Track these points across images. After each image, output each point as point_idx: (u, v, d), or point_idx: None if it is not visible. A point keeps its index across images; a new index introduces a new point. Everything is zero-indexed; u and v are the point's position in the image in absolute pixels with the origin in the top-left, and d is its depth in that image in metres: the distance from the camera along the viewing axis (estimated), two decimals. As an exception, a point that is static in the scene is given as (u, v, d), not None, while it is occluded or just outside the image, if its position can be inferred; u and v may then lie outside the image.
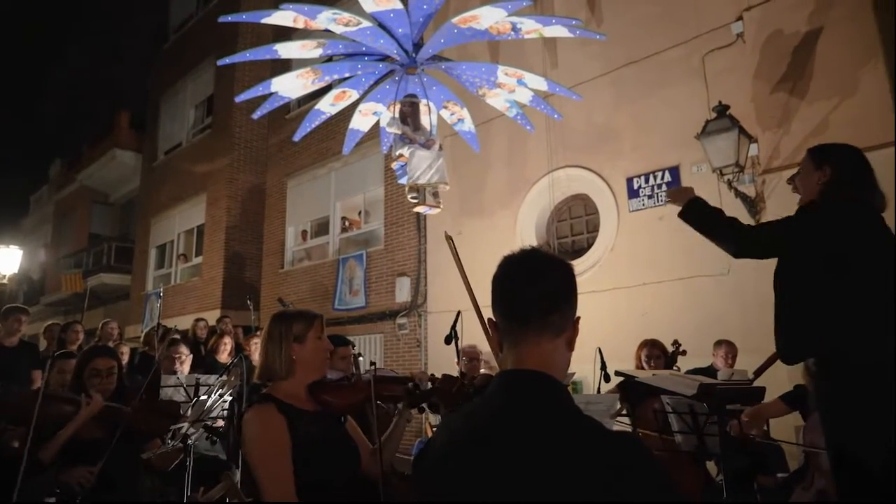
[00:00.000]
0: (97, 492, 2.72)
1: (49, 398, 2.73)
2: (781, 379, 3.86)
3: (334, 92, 6.35)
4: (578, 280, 1.25)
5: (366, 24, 5.24)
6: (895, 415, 2.03)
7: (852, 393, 2.12)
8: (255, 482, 1.88)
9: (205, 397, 3.17)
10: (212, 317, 9.69)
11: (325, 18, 5.15)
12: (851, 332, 2.17)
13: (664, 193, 6.39)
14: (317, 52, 5.72)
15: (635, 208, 6.65)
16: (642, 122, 6.72)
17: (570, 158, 7.33)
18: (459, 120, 6.88)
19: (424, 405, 2.37)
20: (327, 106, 6.54)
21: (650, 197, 6.53)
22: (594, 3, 7.34)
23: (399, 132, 5.87)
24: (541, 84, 6.13)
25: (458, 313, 4.48)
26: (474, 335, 5.35)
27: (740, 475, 3.47)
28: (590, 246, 7.23)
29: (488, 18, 5.25)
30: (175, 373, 4.74)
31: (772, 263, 2.48)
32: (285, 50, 5.73)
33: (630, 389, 3.86)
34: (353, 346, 3.90)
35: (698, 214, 2.62)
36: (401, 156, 5.97)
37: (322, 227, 11.43)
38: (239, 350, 6.08)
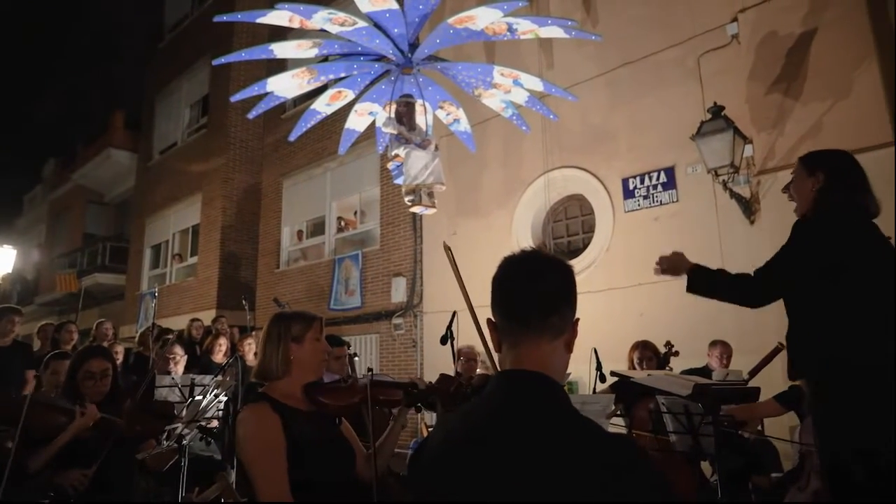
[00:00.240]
0: (92, 492, 2.71)
1: (44, 406, 2.71)
2: (776, 379, 3.86)
3: (330, 92, 6.35)
4: (574, 280, 1.25)
5: (361, 24, 5.23)
6: (894, 418, 2.03)
7: (849, 397, 2.13)
8: (250, 481, 1.88)
9: (200, 398, 3.16)
10: (207, 317, 9.68)
11: (321, 18, 5.14)
12: (850, 338, 2.17)
13: (660, 195, 6.41)
14: (312, 52, 5.71)
15: (631, 209, 6.67)
16: (638, 123, 6.74)
17: (565, 159, 7.34)
18: (455, 120, 6.88)
19: (421, 404, 2.37)
20: (323, 106, 6.53)
21: (645, 197, 6.54)
22: (590, 4, 7.36)
23: (395, 132, 5.87)
24: (536, 84, 6.14)
25: (454, 313, 4.48)
26: (471, 336, 5.35)
27: (735, 475, 3.49)
28: (585, 246, 7.24)
29: (484, 19, 5.25)
30: (170, 373, 4.73)
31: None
32: (281, 50, 5.72)
33: (624, 390, 3.86)
34: (349, 347, 3.90)
35: (705, 285, 2.60)
36: (397, 156, 5.97)
37: (318, 227, 11.41)
38: (235, 350, 6.07)
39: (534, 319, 1.16)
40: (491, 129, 7.90)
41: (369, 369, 2.44)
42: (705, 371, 4.54)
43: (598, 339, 4.14)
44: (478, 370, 5.22)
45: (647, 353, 4.16)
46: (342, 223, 11.00)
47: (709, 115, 5.52)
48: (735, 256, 5.69)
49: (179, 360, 4.94)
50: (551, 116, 6.74)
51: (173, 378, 4.34)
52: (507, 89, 6.22)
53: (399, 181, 6.18)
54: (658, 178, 6.47)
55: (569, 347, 1.20)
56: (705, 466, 3.74)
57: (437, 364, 7.11)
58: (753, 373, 3.73)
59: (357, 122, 6.80)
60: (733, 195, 5.66)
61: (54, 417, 2.69)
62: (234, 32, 12.45)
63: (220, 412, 3.72)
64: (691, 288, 2.60)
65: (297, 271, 11.13)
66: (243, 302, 7.98)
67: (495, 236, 7.67)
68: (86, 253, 17.89)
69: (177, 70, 14.60)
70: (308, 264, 11.08)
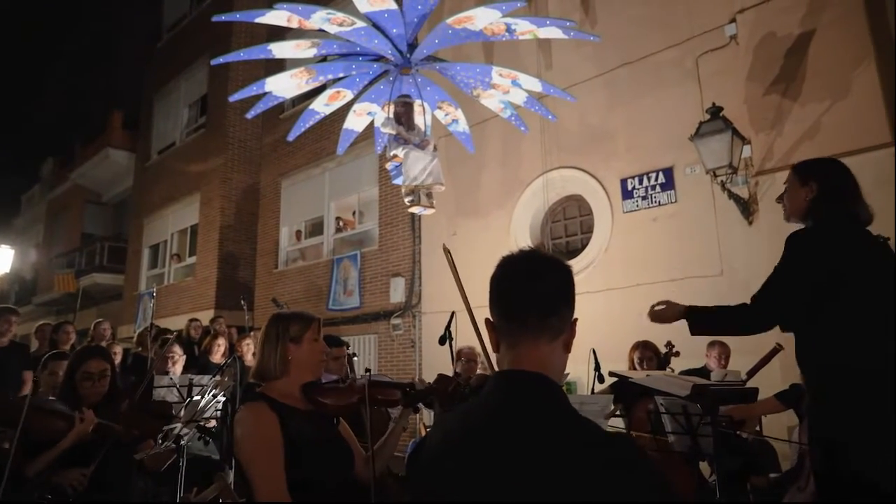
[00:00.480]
0: (90, 493, 2.71)
1: (43, 411, 2.70)
2: (774, 380, 3.87)
3: (328, 92, 6.34)
4: (572, 281, 1.25)
5: (360, 24, 5.23)
6: (894, 421, 2.03)
7: (847, 400, 2.13)
8: (247, 480, 1.88)
9: (198, 398, 3.15)
10: (205, 317, 9.67)
11: (320, 18, 5.14)
12: (850, 344, 2.18)
13: (658, 196, 6.42)
14: (311, 52, 5.70)
15: (629, 209, 6.67)
16: (636, 124, 6.74)
17: (564, 159, 7.35)
18: (454, 121, 6.88)
19: (420, 404, 2.37)
20: (321, 106, 6.53)
21: (644, 198, 6.55)
22: (588, 5, 7.36)
23: (394, 133, 5.87)
24: (535, 85, 6.14)
25: (453, 314, 4.48)
26: (469, 336, 5.35)
27: (733, 476, 3.49)
28: (584, 247, 7.24)
29: (483, 19, 5.25)
30: (168, 373, 4.73)
31: (766, 266, 2.49)
32: (279, 49, 5.71)
33: (623, 390, 3.87)
34: (348, 347, 3.90)
35: (706, 325, 2.60)
36: (395, 156, 5.96)
37: (316, 228, 11.41)
38: (234, 350, 6.06)
39: (532, 320, 1.16)
40: (489, 130, 7.90)
41: (367, 370, 2.44)
42: (703, 371, 4.54)
43: (597, 340, 4.15)
44: (478, 371, 5.22)
45: (648, 353, 4.16)
46: (341, 223, 11.00)
47: (707, 116, 5.53)
48: (733, 257, 5.71)
49: (178, 360, 4.94)
50: (550, 117, 6.74)
51: (171, 378, 4.34)
52: (506, 90, 6.21)
53: (398, 181, 6.18)
54: (656, 179, 6.48)
55: (567, 347, 1.20)
56: (704, 467, 3.74)
57: (435, 364, 7.11)
58: (752, 373, 3.73)
59: (356, 122, 6.79)
60: (732, 196, 5.67)
61: (53, 423, 2.69)
62: (233, 32, 12.45)
63: (219, 412, 3.72)
64: (695, 331, 2.58)
65: (296, 271, 11.12)
66: (242, 302, 7.98)
67: (494, 237, 7.67)
68: (84, 253, 17.86)
69: (175, 70, 14.59)
70: (306, 264, 11.07)
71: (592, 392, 4.17)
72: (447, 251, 2.91)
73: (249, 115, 6.74)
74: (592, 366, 4.13)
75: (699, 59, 6.28)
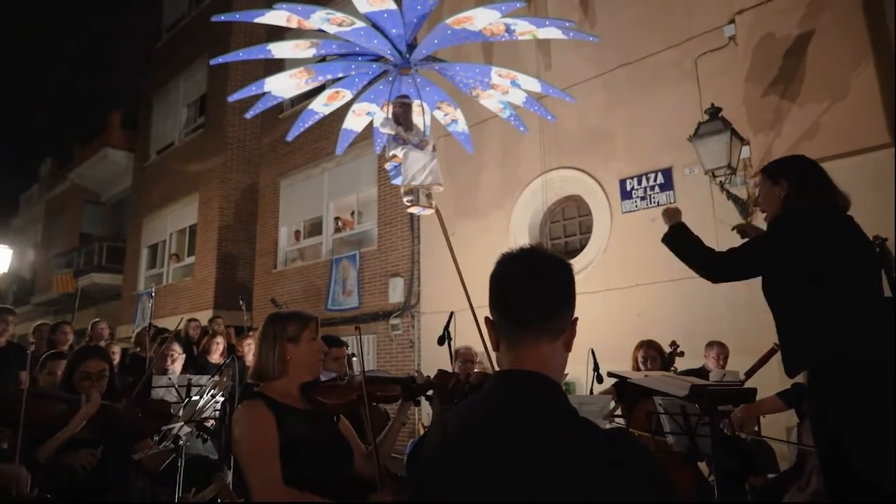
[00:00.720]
0: (90, 493, 2.71)
1: (44, 398, 2.71)
2: (773, 380, 3.87)
3: (328, 92, 6.34)
4: (571, 281, 1.24)
5: (359, 24, 5.22)
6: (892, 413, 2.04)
7: (850, 392, 2.14)
8: (244, 478, 1.88)
9: (196, 398, 3.15)
10: (204, 317, 9.66)
11: (319, 18, 5.13)
12: (846, 332, 2.20)
13: (657, 196, 6.43)
14: (310, 52, 5.70)
15: (628, 210, 6.68)
16: (635, 124, 6.75)
17: (563, 160, 7.35)
18: (453, 121, 6.87)
19: (421, 398, 2.38)
20: (320, 106, 6.52)
21: (643, 198, 6.55)
22: (588, 5, 7.36)
23: (393, 133, 5.86)
24: (534, 85, 6.14)
25: (452, 314, 4.49)
26: (467, 337, 5.35)
27: (732, 476, 3.49)
28: (583, 247, 7.25)
29: (482, 20, 5.25)
30: (167, 371, 4.73)
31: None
32: (278, 50, 5.70)
33: (625, 391, 3.87)
34: (347, 347, 3.89)
35: (677, 238, 2.73)
36: (394, 156, 5.96)
37: (315, 228, 11.41)
38: (231, 350, 6.06)
39: (533, 320, 1.15)
40: (489, 130, 7.90)
41: (352, 354, 2.44)
42: (702, 372, 4.54)
43: (596, 340, 4.14)
44: (475, 370, 5.22)
45: (652, 353, 4.16)
46: (340, 223, 11.00)
47: (706, 117, 5.53)
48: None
49: (177, 358, 4.94)
50: (549, 117, 6.74)
51: (170, 378, 4.33)
52: (505, 90, 6.21)
53: (397, 181, 6.17)
54: (655, 180, 6.48)
55: (568, 347, 1.20)
56: (703, 467, 3.75)
57: (434, 364, 7.07)
58: (750, 373, 3.74)
59: (355, 122, 6.78)
60: (730, 196, 5.67)
61: (55, 407, 2.70)
62: (232, 32, 12.45)
63: (217, 412, 3.72)
64: (665, 239, 2.73)
65: (295, 271, 11.12)
66: (240, 302, 7.98)
67: (493, 237, 7.67)
68: (82, 253, 17.84)
69: (174, 70, 14.58)
70: (305, 264, 11.06)
71: (591, 392, 4.17)
72: (437, 210, 2.94)
73: (248, 115, 6.73)
74: (591, 366, 4.13)
75: (698, 59, 6.28)
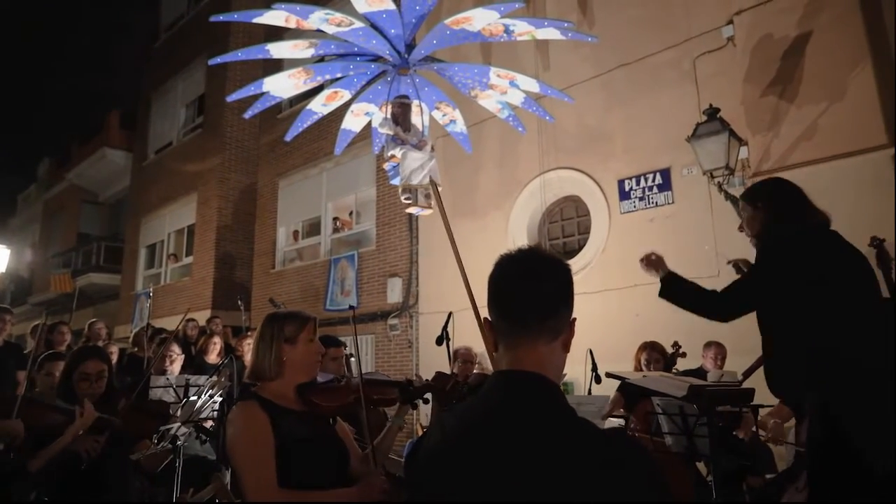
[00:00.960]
0: (88, 493, 2.70)
1: (40, 405, 2.70)
2: (771, 380, 3.87)
3: (326, 92, 6.33)
4: (570, 281, 1.24)
5: (358, 24, 5.22)
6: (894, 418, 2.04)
7: (851, 395, 2.14)
8: (238, 479, 1.87)
9: (194, 398, 3.15)
10: (202, 317, 9.65)
11: (318, 18, 5.13)
12: (847, 341, 2.21)
13: (655, 197, 6.43)
14: (309, 52, 5.69)
15: (626, 210, 6.68)
16: (633, 125, 6.75)
17: (561, 160, 7.35)
18: (451, 121, 6.87)
19: (418, 401, 2.37)
20: (319, 106, 6.51)
21: (641, 199, 6.56)
22: (586, 6, 7.37)
23: (391, 133, 5.86)
24: (533, 86, 6.14)
25: (450, 314, 4.49)
26: (466, 337, 5.35)
27: (730, 476, 3.49)
28: (581, 248, 7.25)
29: (481, 20, 5.25)
30: (165, 371, 4.72)
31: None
32: (277, 50, 5.70)
33: (627, 391, 3.87)
34: (345, 347, 3.89)
35: (675, 293, 2.79)
36: (393, 156, 5.95)
37: (313, 228, 11.40)
38: (229, 350, 6.05)
39: (532, 321, 1.15)
40: (487, 131, 7.90)
41: (351, 355, 2.44)
42: (700, 372, 4.55)
43: (594, 341, 4.15)
44: (474, 371, 5.22)
45: (655, 355, 4.15)
46: (338, 223, 10.99)
47: (704, 117, 5.54)
48: (729, 258, 5.71)
49: (176, 359, 4.94)
50: (547, 118, 6.74)
51: (168, 378, 4.33)
52: (504, 90, 6.21)
53: (396, 181, 6.17)
54: (654, 180, 6.49)
55: (566, 347, 1.20)
56: (701, 467, 3.75)
57: (432, 365, 7.10)
58: (748, 374, 3.75)
59: (353, 122, 6.78)
60: (728, 197, 5.68)
61: (51, 416, 2.68)
62: (231, 32, 12.44)
63: (216, 412, 3.71)
64: (663, 293, 2.77)
65: (293, 272, 11.11)
66: (239, 302, 7.97)
67: (491, 237, 7.67)
68: (80, 253, 17.81)
69: (173, 69, 14.56)
70: (304, 265, 11.06)
71: (589, 393, 4.18)
72: (433, 183, 2.95)
73: (247, 115, 6.72)
74: (590, 366, 4.13)
75: (696, 60, 6.29)
